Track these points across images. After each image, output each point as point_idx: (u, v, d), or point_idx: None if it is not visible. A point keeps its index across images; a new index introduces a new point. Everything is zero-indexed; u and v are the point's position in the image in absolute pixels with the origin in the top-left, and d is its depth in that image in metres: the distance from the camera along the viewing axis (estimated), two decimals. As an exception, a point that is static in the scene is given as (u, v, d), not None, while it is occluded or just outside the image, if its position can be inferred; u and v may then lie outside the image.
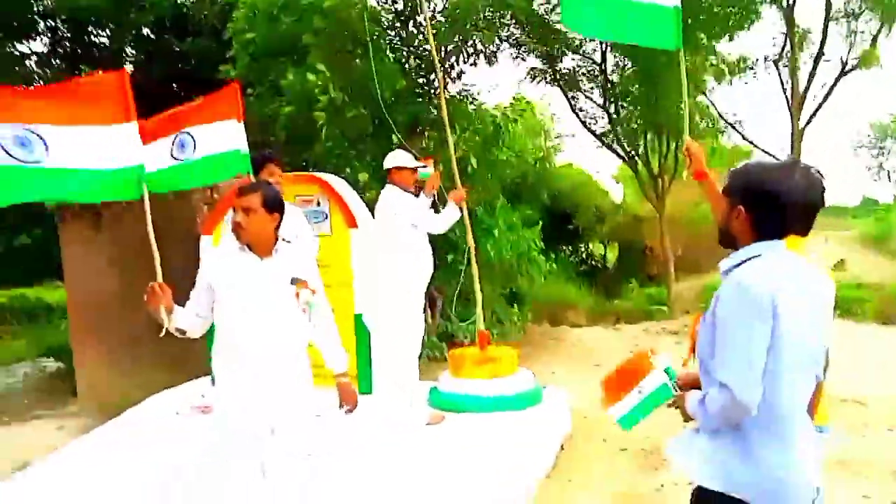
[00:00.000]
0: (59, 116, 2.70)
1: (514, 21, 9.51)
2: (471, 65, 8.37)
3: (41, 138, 2.65)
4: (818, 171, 1.96)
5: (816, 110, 12.06)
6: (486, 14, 8.13)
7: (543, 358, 8.70)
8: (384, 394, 4.19)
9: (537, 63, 10.93)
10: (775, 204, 1.72)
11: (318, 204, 4.88)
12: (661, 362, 1.92)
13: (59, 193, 2.83)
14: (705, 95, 11.22)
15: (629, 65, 10.65)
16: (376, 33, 7.07)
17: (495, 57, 8.97)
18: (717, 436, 1.76)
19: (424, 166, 4.38)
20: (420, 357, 4.38)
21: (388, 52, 7.70)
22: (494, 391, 4.04)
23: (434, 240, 8.43)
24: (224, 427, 2.70)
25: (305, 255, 3.01)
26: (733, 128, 12.13)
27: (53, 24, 10.51)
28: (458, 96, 8.75)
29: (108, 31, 10.15)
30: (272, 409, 2.65)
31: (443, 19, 7.84)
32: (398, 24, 7.97)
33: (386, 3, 7.87)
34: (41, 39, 11.02)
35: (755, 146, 12.69)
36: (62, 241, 6.34)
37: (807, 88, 11.84)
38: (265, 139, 8.11)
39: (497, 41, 8.48)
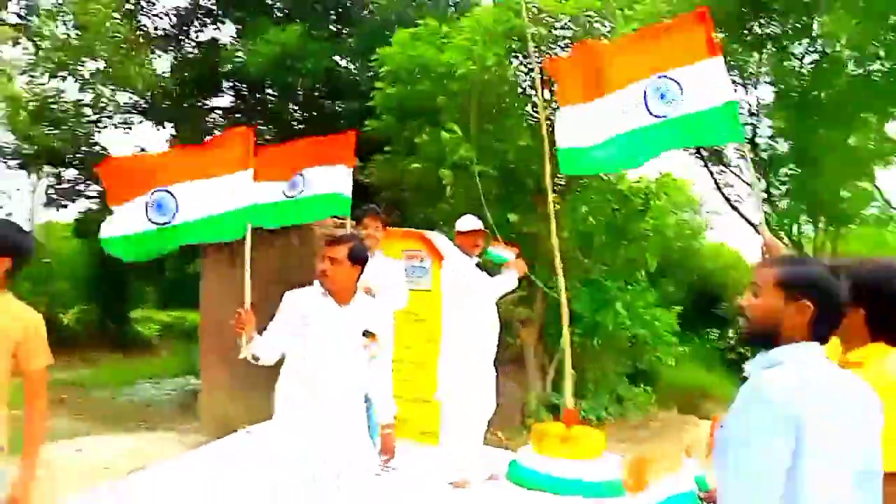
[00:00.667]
0: (190, 172, 3.11)
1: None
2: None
3: (174, 197, 3.08)
4: None
5: None
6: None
7: (660, 446, 8.05)
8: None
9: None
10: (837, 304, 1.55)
11: (422, 260, 5.00)
12: (692, 468, 1.72)
13: (179, 243, 3.21)
14: (870, 180, 10.08)
15: (782, 142, 9.95)
16: (506, 98, 7.25)
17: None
18: None
19: (481, 231, 4.26)
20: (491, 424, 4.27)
21: (522, 115, 7.86)
22: (572, 473, 3.77)
23: (554, 312, 8.29)
24: (282, 464, 2.76)
25: (383, 309, 3.10)
26: None
27: (236, 83, 12.03)
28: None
29: (275, 91, 11.38)
30: (338, 451, 2.71)
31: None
32: (533, 90, 8.09)
33: (525, 67, 8.03)
34: (225, 96, 12.68)
35: None
36: (202, 272, 7.05)
37: None
38: (396, 193, 8.54)
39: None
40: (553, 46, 8.05)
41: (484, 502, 3.82)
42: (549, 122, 4.33)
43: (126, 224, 3.05)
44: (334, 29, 11.48)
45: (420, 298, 4.94)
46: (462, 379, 4.02)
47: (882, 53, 8.14)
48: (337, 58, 10.95)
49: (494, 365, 4.27)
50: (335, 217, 4.75)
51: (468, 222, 4.22)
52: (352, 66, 10.90)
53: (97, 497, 3.88)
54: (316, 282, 2.96)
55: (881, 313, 2.00)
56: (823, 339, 1.59)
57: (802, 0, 8.78)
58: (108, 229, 3.09)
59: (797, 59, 9.71)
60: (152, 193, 3.07)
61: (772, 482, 1.41)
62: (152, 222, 3.05)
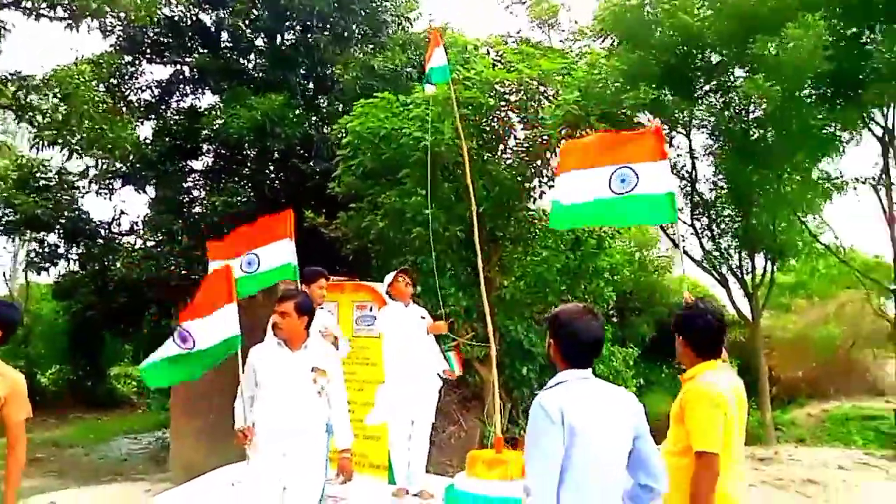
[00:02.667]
0: (198, 312, 3.89)
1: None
2: (549, 187, 8.93)
3: (189, 332, 3.90)
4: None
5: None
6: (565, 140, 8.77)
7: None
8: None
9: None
10: (572, 338, 2.21)
11: (371, 309, 5.56)
12: None
13: (198, 369, 4.02)
14: (797, 217, 10.87)
15: (722, 183, 10.72)
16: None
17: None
18: None
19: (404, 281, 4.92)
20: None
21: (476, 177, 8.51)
22: (498, 492, 4.27)
23: (513, 352, 8.80)
24: (247, 484, 3.38)
25: (331, 351, 3.70)
26: (828, 249, 11.56)
27: (215, 147, 12.66)
28: (538, 213, 9.32)
29: (253, 153, 12.04)
30: (286, 470, 3.28)
31: (522, 148, 8.63)
32: (483, 152, 8.75)
33: (473, 135, 8.71)
34: (203, 159, 13.28)
35: (850, 267, 11.90)
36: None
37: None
38: (362, 245, 9.11)
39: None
40: (502, 111, 8.82)
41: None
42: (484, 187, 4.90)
43: (159, 352, 3.94)
44: (310, 96, 12.25)
45: (370, 344, 5.46)
46: (391, 403, 4.62)
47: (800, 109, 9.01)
48: (313, 119, 11.69)
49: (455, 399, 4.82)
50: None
51: (387, 278, 4.88)
52: (325, 130, 11.61)
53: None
54: (270, 333, 3.55)
55: (694, 341, 2.78)
56: (581, 364, 2.20)
57: (732, 60, 9.74)
58: (147, 360, 4.00)
59: (734, 108, 10.60)
60: (178, 331, 3.90)
61: (552, 466, 2.02)
62: (179, 347, 3.87)
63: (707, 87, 10.51)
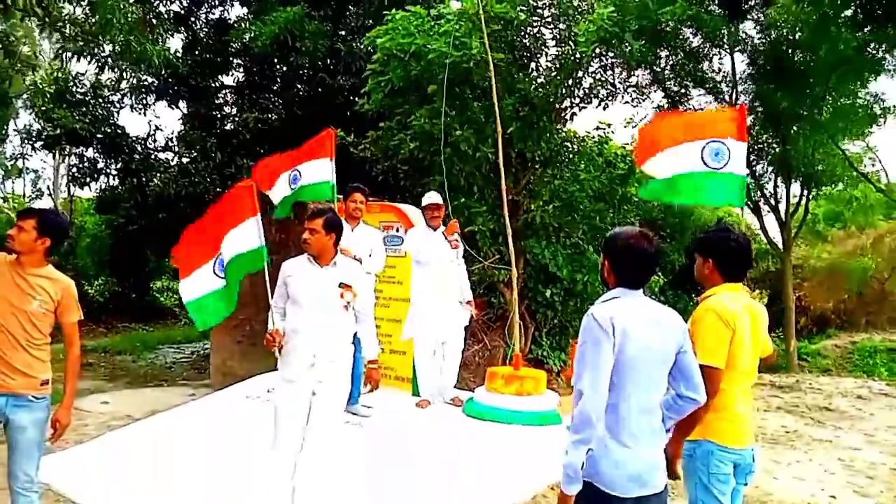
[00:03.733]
0: (224, 229, 3.90)
1: (637, 65, 9.78)
2: (581, 108, 8.76)
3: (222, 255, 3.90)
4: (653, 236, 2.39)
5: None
6: (601, 62, 8.51)
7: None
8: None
9: (661, 100, 11.01)
10: (627, 259, 2.30)
11: (397, 230, 5.67)
12: None
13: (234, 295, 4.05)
14: (836, 145, 10.48)
15: (760, 107, 10.32)
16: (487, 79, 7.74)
17: (612, 98, 9.26)
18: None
19: (437, 205, 5.04)
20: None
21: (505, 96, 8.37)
22: (514, 406, 4.50)
23: (538, 275, 8.91)
24: (278, 391, 3.60)
25: (358, 268, 3.82)
26: (865, 177, 11.16)
27: (245, 61, 12.53)
28: (569, 134, 9.19)
29: (282, 68, 11.90)
30: (315, 378, 3.47)
31: (554, 66, 8.39)
32: (514, 70, 8.55)
33: (504, 51, 8.49)
34: (234, 74, 13.19)
35: (889, 197, 11.54)
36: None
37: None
38: (390, 166, 9.13)
39: (610, 86, 8.78)
40: (534, 26, 8.53)
41: (442, 431, 4.57)
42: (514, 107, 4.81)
43: (202, 285, 3.92)
44: (337, 8, 11.88)
45: (397, 263, 5.62)
46: (419, 321, 4.81)
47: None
48: (341, 32, 11.40)
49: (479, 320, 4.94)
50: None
51: (426, 198, 4.91)
52: (353, 44, 11.35)
53: (119, 435, 4.78)
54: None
55: (723, 263, 2.79)
56: (633, 285, 2.30)
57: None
58: (190, 292, 3.94)
59: (779, 27, 10.05)
60: (213, 261, 3.91)
61: (603, 373, 2.16)
62: (220, 278, 3.88)
63: (753, 2, 9.95)
